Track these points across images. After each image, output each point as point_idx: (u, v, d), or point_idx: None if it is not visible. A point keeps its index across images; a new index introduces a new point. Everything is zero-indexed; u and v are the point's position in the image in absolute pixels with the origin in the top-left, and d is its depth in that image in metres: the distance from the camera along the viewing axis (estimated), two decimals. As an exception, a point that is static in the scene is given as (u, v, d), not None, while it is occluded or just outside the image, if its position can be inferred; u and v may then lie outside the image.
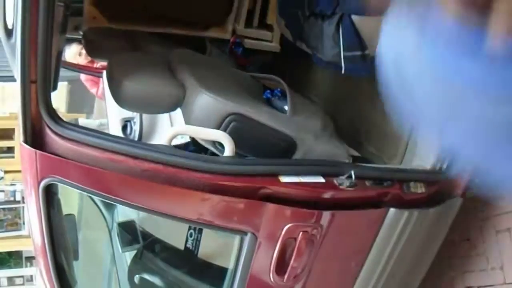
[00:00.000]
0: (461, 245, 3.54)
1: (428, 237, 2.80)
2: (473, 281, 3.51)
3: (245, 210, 2.25)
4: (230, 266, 2.49)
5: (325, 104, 3.38)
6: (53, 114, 2.20)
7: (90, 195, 2.33)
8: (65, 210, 2.84)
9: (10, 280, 14.90)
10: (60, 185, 2.35)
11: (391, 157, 2.96)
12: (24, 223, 14.05)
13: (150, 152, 2.22)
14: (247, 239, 2.28)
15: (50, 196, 2.35)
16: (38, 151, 2.20)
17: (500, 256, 3.32)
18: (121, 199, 2.31)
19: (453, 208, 2.83)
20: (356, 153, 3.02)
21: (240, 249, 2.33)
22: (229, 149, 2.29)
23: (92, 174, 2.24)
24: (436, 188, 2.75)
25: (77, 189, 2.30)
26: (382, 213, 2.39)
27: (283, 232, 2.27)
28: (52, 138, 2.22)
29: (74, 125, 2.32)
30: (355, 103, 3.29)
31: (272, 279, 2.37)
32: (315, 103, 3.28)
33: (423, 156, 2.80)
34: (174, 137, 2.35)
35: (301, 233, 2.29)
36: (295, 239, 2.29)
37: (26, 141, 2.22)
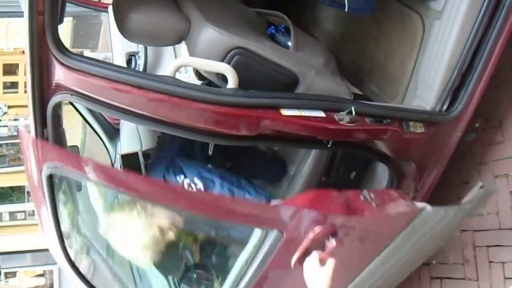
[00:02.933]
0: (460, 188, 3.59)
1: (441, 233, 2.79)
2: (468, 225, 3.58)
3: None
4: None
5: (328, 43, 3.40)
6: (60, 45, 2.24)
7: (100, 108, 2.37)
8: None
9: (12, 215, 15.13)
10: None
11: (392, 97, 3.01)
12: (26, 158, 14.26)
13: (155, 82, 2.27)
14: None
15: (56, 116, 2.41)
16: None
17: (497, 201, 3.39)
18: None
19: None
20: (357, 91, 3.06)
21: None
22: (232, 82, 2.34)
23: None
24: (435, 129, 2.82)
25: (88, 102, 2.35)
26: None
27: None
28: (59, 69, 2.27)
29: (81, 56, 2.37)
30: (359, 43, 3.31)
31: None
32: (318, 41, 3.30)
33: (424, 97, 2.85)
34: (178, 68, 2.39)
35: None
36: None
37: (33, 74, 2.26)
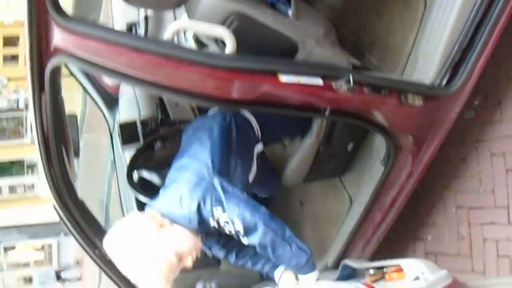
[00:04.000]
0: (456, 164, 3.62)
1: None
2: (464, 202, 3.62)
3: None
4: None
5: (329, 14, 3.39)
6: (58, 8, 2.23)
7: (99, 70, 2.36)
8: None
9: (12, 188, 15.22)
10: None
11: (392, 69, 3.01)
12: (26, 131, 14.20)
13: (153, 45, 2.27)
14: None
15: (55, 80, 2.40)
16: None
17: (493, 179, 3.41)
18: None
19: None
20: (357, 63, 3.06)
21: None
22: (230, 46, 2.34)
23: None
24: (434, 103, 2.82)
25: (86, 64, 2.34)
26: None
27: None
28: (57, 31, 2.26)
29: (79, 20, 2.36)
30: (360, 15, 3.30)
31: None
32: (319, 12, 3.29)
33: (424, 71, 2.85)
34: (177, 31, 2.39)
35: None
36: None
37: (31, 38, 2.25)
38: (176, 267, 2.38)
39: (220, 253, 2.85)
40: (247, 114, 2.91)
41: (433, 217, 3.85)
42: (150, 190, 3.28)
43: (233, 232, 2.45)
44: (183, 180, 2.50)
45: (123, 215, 3.92)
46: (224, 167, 2.58)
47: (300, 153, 3.27)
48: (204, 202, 2.39)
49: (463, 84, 2.81)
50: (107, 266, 3.05)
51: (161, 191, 2.59)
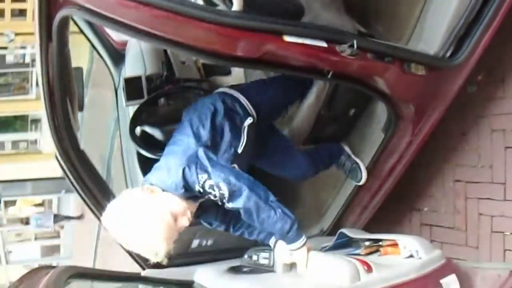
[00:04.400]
0: (457, 138, 3.66)
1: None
2: (462, 176, 3.66)
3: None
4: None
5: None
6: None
7: (107, 23, 2.40)
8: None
9: (15, 144, 15.30)
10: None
11: (398, 38, 3.03)
12: (31, 87, 14.23)
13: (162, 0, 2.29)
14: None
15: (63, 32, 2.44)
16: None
17: (492, 155, 3.46)
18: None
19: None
20: (363, 30, 3.08)
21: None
22: (237, 4, 2.37)
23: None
24: (436, 74, 2.86)
25: (94, 16, 2.36)
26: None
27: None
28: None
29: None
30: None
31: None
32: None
33: (428, 42, 2.88)
34: None
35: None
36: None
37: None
38: (174, 227, 2.49)
39: (221, 228, 2.97)
40: (234, 92, 2.98)
41: (431, 189, 3.90)
42: (151, 145, 3.33)
43: (217, 197, 2.55)
44: (172, 152, 2.69)
45: (124, 171, 3.98)
46: (210, 140, 2.72)
47: (300, 114, 3.32)
48: (189, 169, 2.53)
49: (466, 57, 2.84)
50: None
51: (154, 166, 2.72)
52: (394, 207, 3.83)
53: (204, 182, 2.51)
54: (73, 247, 16.32)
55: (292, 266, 2.83)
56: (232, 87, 3.06)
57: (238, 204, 2.54)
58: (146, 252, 2.47)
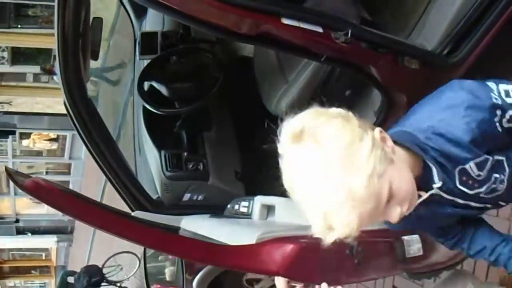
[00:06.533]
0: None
1: None
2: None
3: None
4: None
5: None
6: None
7: None
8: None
9: (36, 76, 15.54)
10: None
11: (402, 29, 3.23)
12: (58, 22, 14.37)
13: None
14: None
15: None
16: None
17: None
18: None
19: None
20: (368, 17, 3.25)
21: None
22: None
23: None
24: (430, 71, 3.01)
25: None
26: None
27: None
28: None
29: None
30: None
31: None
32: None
33: (428, 38, 3.06)
34: None
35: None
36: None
37: None
38: (379, 208, 1.49)
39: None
40: None
41: None
42: (157, 100, 3.57)
43: None
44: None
45: (133, 123, 4.25)
46: None
47: (297, 91, 3.51)
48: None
49: (462, 58, 2.98)
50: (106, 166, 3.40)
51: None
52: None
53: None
54: (82, 184, 16.76)
55: (268, 214, 3.06)
56: None
57: None
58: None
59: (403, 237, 2.90)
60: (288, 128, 1.49)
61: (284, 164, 1.51)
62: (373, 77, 3.01)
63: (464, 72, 3.10)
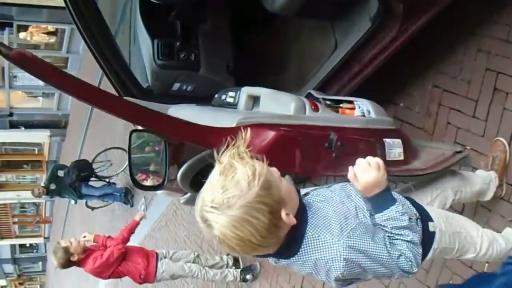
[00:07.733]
0: (444, 47, 3.90)
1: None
2: (441, 83, 3.92)
3: None
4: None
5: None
6: None
7: None
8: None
9: None
10: None
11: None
12: None
13: None
14: None
15: None
16: None
17: (472, 72, 3.68)
18: None
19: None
20: None
21: None
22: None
23: None
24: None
25: None
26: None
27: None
28: None
29: None
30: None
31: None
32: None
33: None
34: None
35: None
36: None
37: None
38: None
39: None
40: None
41: (410, 88, 4.15)
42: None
43: None
44: None
45: (130, 12, 4.29)
46: None
47: None
48: None
49: None
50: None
51: None
52: (372, 96, 4.02)
53: None
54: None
55: (254, 105, 3.15)
56: None
57: None
58: None
59: (384, 139, 2.99)
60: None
61: None
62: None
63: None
